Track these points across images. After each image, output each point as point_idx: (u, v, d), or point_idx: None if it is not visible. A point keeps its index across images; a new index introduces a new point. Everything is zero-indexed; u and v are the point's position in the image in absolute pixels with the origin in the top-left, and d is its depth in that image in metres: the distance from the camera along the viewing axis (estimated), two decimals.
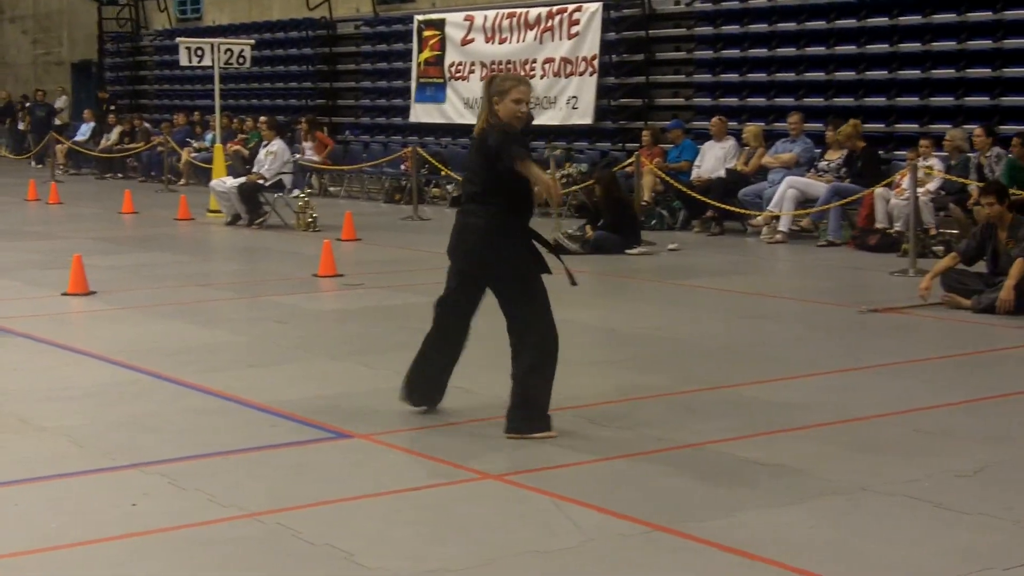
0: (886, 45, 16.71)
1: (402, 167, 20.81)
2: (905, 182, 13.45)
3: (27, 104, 32.85)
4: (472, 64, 21.61)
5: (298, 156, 19.57)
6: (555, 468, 6.06)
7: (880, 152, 15.84)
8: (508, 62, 20.74)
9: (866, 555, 4.91)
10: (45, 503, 5.62)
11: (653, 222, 16.49)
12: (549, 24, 20.32)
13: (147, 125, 26.94)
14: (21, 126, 32.88)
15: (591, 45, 19.72)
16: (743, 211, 15.80)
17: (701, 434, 6.64)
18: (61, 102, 32.58)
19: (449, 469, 6.03)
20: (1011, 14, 15.51)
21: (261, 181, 17.15)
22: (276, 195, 17.27)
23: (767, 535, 5.10)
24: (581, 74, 19.81)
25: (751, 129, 16.69)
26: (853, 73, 16.99)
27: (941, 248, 13.43)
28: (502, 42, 21.13)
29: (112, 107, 29.95)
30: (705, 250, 14.76)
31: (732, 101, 18.31)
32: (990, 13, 15.71)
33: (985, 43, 15.69)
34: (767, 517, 5.33)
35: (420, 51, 22.69)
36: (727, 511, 5.39)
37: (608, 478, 5.93)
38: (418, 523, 5.30)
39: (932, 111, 16.07)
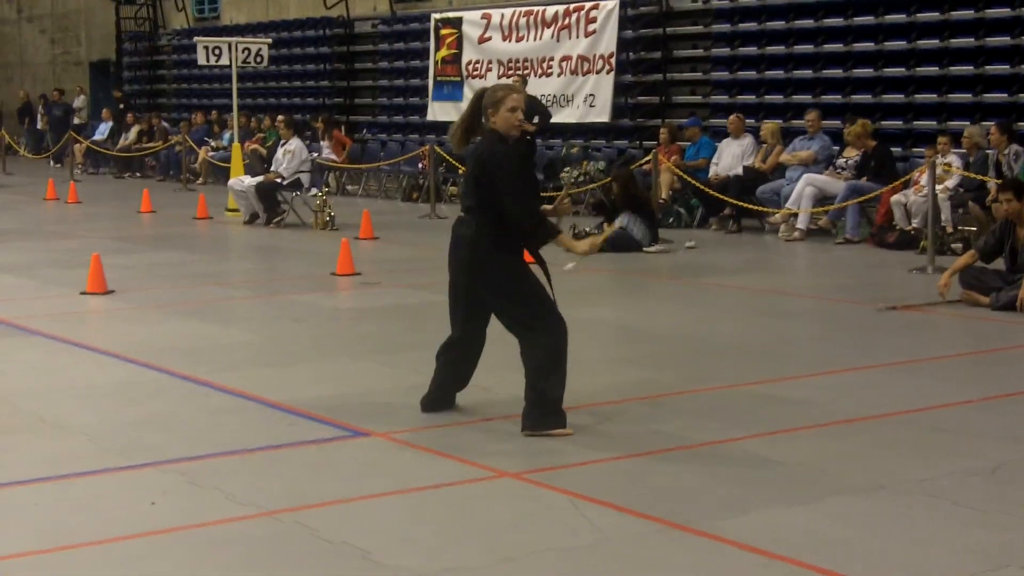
0: (904, 42, 16.66)
1: (419, 166, 20.84)
2: (923, 179, 13.41)
3: (46, 103, 32.94)
4: (489, 62, 21.61)
5: (316, 155, 19.60)
6: (572, 466, 6.06)
7: (898, 149, 15.80)
8: (525, 60, 20.75)
9: (883, 553, 4.90)
10: (64, 502, 5.65)
11: (671, 220, 16.48)
12: (566, 22, 20.31)
13: (165, 124, 27.05)
14: (40, 125, 33.02)
15: (608, 43, 19.71)
16: (761, 209, 15.77)
17: (718, 432, 6.63)
18: (79, 101, 32.71)
19: (466, 467, 6.04)
20: None
21: (279, 180, 17.19)
22: (294, 194, 17.31)
23: (784, 533, 5.09)
24: (598, 72, 19.79)
25: (769, 126, 16.66)
26: (871, 70, 16.94)
27: (959, 245, 13.39)
28: (519, 40, 21.13)
29: (122, 105, 30.03)
30: (723, 248, 14.74)
31: (750, 98, 18.28)
32: (1008, 9, 15.65)
33: (1004, 40, 15.63)
34: (784, 515, 5.32)
35: (437, 49, 22.71)
36: (744, 509, 5.39)
37: (625, 476, 5.93)
38: (435, 521, 5.31)
39: (950, 108, 16.01)
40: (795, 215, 15.15)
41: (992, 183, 13.15)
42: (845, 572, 4.69)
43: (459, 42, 22.23)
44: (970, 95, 15.83)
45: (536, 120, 16.09)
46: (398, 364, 8.38)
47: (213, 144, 24.65)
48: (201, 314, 10.47)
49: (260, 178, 17.44)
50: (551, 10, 20.51)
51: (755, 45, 18.40)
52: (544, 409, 6.51)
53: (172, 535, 5.16)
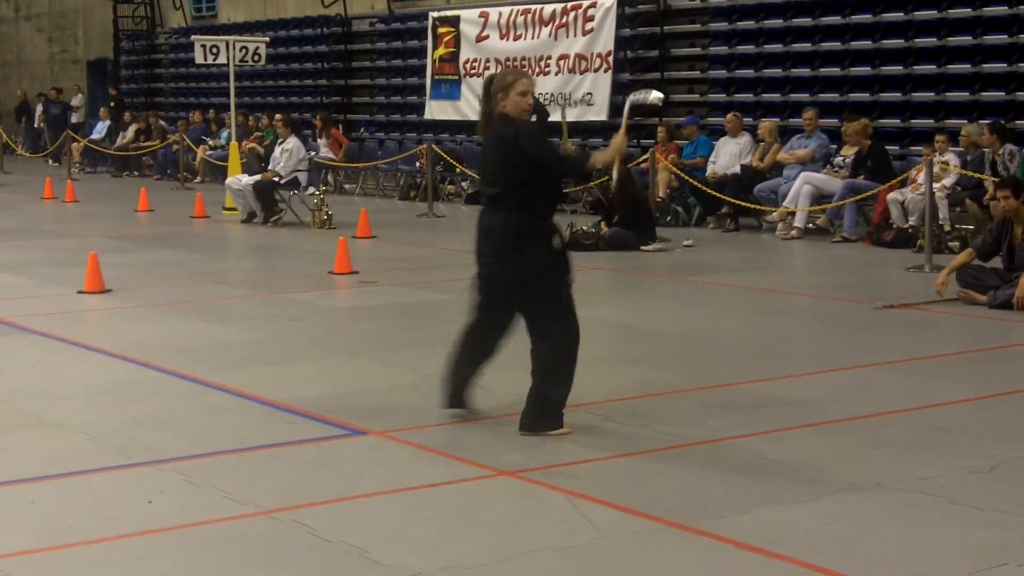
0: (901, 40, 16.66)
1: (417, 164, 20.84)
2: (921, 178, 13.42)
3: (46, 102, 32.87)
4: (487, 61, 21.61)
5: (313, 153, 19.60)
6: (570, 465, 6.06)
7: (896, 148, 15.81)
8: (523, 58, 20.75)
9: (881, 552, 4.90)
10: (61, 500, 5.65)
11: (668, 219, 16.48)
12: (564, 20, 20.31)
13: (163, 123, 27.03)
14: (37, 124, 33.00)
15: (606, 41, 19.71)
16: (758, 207, 15.77)
17: (716, 431, 6.63)
18: (77, 100, 32.68)
19: (464, 466, 6.03)
20: None
21: (276, 179, 17.19)
22: (291, 193, 17.31)
23: (782, 532, 5.10)
24: (596, 70, 19.80)
25: (766, 125, 16.66)
26: (868, 69, 16.94)
27: (957, 244, 13.40)
28: (517, 39, 21.13)
29: (113, 104, 29.98)
30: (720, 246, 14.74)
31: (747, 97, 18.29)
32: (1006, 7, 15.66)
33: (1001, 38, 15.63)
34: (782, 514, 5.32)
35: (435, 48, 22.71)
36: (742, 508, 5.39)
37: (623, 475, 5.93)
38: (433, 520, 5.31)
39: (948, 106, 16.02)
40: (792, 213, 15.15)
41: (989, 182, 13.16)
42: (844, 571, 4.69)
43: (457, 41, 22.23)
44: (968, 93, 15.83)
45: (534, 118, 16.12)
46: (396, 363, 8.38)
47: (211, 143, 24.64)
48: (199, 313, 10.46)
49: (258, 177, 17.44)
50: (549, 8, 20.51)
51: (753, 44, 18.41)
52: (544, 411, 6.50)
53: (170, 534, 5.16)
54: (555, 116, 19.54)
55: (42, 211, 20.00)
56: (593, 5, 19.87)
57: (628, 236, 14.21)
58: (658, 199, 16.36)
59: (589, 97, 19.87)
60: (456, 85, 22.29)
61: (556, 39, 20.39)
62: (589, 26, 19.93)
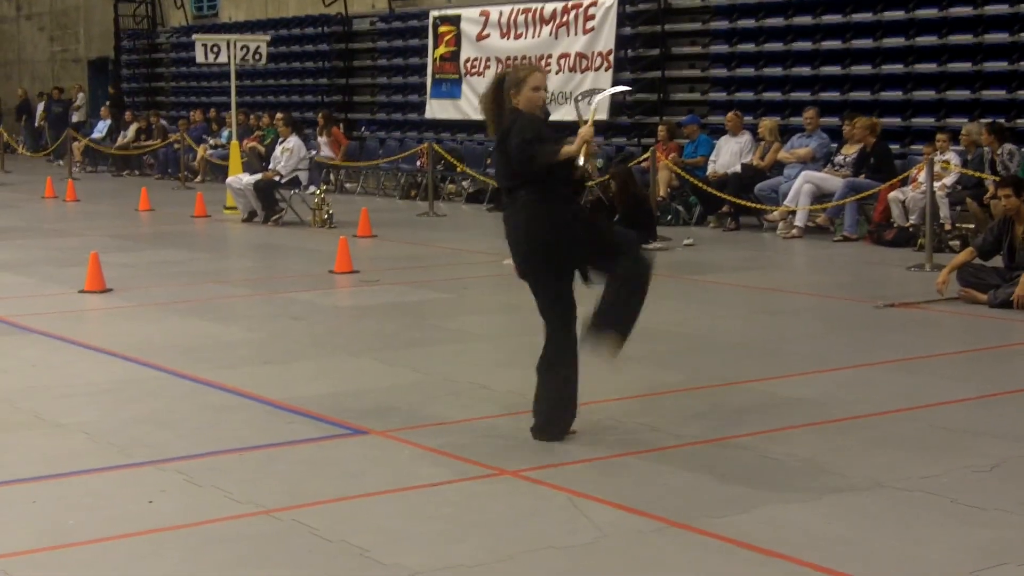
0: (902, 39, 16.65)
1: (418, 163, 20.83)
2: (922, 176, 13.41)
3: (49, 101, 32.85)
4: (488, 60, 21.60)
5: (314, 153, 19.60)
6: (571, 464, 6.06)
7: (896, 146, 15.79)
8: (524, 57, 20.73)
9: (882, 551, 4.90)
10: (62, 500, 5.65)
11: (669, 217, 16.48)
12: (564, 19, 20.31)
13: (163, 122, 27.03)
14: (37, 123, 32.99)
15: (607, 40, 19.70)
16: (759, 206, 15.77)
17: (717, 430, 6.63)
18: (79, 99, 32.69)
19: (465, 465, 6.03)
20: None
21: (277, 178, 17.18)
22: (292, 192, 17.30)
23: (783, 531, 5.10)
24: (596, 69, 19.78)
25: (767, 124, 16.65)
26: (869, 67, 16.93)
27: (957, 243, 13.40)
28: (517, 37, 21.12)
29: (108, 103, 29.95)
30: (721, 245, 14.74)
31: (748, 96, 18.28)
32: (1007, 6, 15.65)
33: (1002, 36, 15.63)
34: (783, 513, 5.32)
35: (435, 47, 22.70)
36: (743, 507, 5.39)
37: (624, 474, 5.93)
38: (434, 519, 5.31)
39: (949, 105, 16.01)
40: (793, 212, 15.14)
41: (990, 180, 13.16)
42: (845, 570, 4.69)
43: (457, 39, 22.22)
44: (968, 92, 15.82)
45: None
46: (397, 362, 8.38)
47: (211, 142, 24.63)
48: (199, 312, 10.46)
49: (258, 176, 17.43)
50: (549, 7, 20.50)
51: (753, 42, 18.40)
52: (543, 412, 6.48)
53: (171, 533, 5.16)
54: (559, 115, 19.60)
55: (43, 210, 20.01)
56: (594, 4, 19.86)
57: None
58: (659, 198, 16.35)
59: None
60: (457, 84, 22.28)
61: (557, 38, 20.38)
62: (590, 25, 19.92)
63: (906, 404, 7.16)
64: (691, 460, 6.12)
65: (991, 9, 15.80)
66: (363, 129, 24.77)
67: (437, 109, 22.78)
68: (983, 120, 14.64)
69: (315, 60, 26.22)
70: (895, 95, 16.57)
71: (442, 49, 22.54)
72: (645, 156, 16.80)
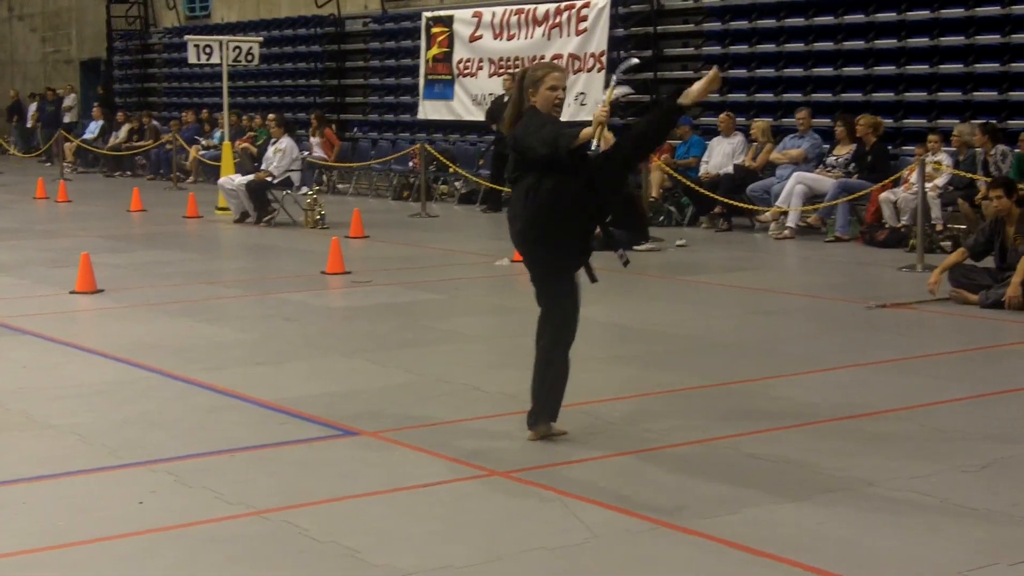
0: (894, 40, 16.69)
1: (410, 164, 20.82)
2: (913, 177, 13.43)
3: (42, 102, 32.78)
4: (480, 61, 21.61)
5: (306, 153, 19.58)
6: (562, 464, 6.06)
7: (888, 147, 15.81)
8: (516, 58, 20.74)
9: (872, 551, 4.91)
10: (52, 501, 5.63)
11: (661, 218, 16.49)
12: (557, 20, 20.31)
13: (156, 123, 27.00)
14: (29, 124, 32.94)
15: (599, 41, 19.71)
16: (751, 207, 15.78)
17: (708, 430, 6.64)
18: (70, 100, 32.63)
19: (456, 466, 6.03)
20: (1019, 9, 15.48)
21: (269, 178, 17.17)
22: (284, 192, 17.29)
23: (774, 531, 5.10)
24: (589, 70, 19.79)
25: (759, 125, 16.67)
26: (861, 68, 16.96)
27: (949, 244, 13.43)
28: (510, 38, 21.12)
29: (96, 104, 29.88)
30: (713, 246, 14.75)
31: (740, 97, 18.30)
32: (998, 8, 15.68)
33: (993, 38, 15.66)
34: (774, 513, 5.33)
35: (428, 48, 22.70)
36: (734, 507, 5.39)
37: (615, 474, 5.93)
38: (425, 520, 5.31)
39: (940, 106, 16.04)
40: (785, 213, 15.16)
41: (982, 181, 13.18)
42: (835, 570, 4.70)
43: (450, 40, 22.23)
44: (960, 93, 15.85)
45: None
46: (389, 362, 8.38)
47: (204, 143, 24.60)
48: (191, 313, 10.45)
49: (250, 177, 17.42)
50: (542, 8, 20.51)
51: (746, 43, 18.43)
52: (534, 408, 6.48)
53: (161, 535, 5.16)
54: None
55: (34, 211, 19.97)
56: (586, 5, 19.87)
57: (621, 236, 14.18)
58: (651, 199, 16.36)
59: (583, 97, 19.86)
60: (449, 85, 22.28)
61: (549, 39, 20.38)
62: (582, 26, 19.93)
63: (898, 404, 7.17)
64: (682, 460, 6.12)
65: (982, 11, 15.83)
66: (356, 130, 24.76)
67: (430, 110, 22.78)
68: (975, 121, 14.67)
69: (308, 61, 26.22)
70: (887, 96, 16.60)
71: (435, 50, 22.54)
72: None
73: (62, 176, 24.44)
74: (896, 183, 14.26)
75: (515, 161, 6.47)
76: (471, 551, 4.93)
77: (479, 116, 20.93)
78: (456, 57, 22.09)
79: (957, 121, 15.08)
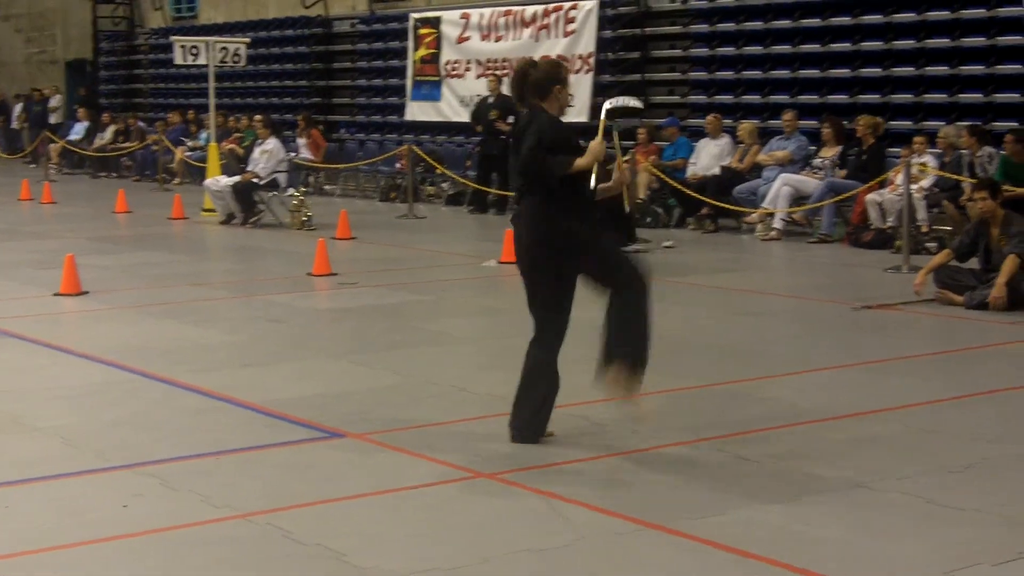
0: (880, 42, 16.73)
1: (397, 165, 20.80)
2: (899, 179, 13.47)
3: (28, 102, 32.67)
4: (468, 62, 21.61)
5: (293, 155, 19.56)
6: (549, 466, 6.06)
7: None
8: (504, 60, 20.74)
9: (858, 551, 4.92)
10: (37, 503, 5.62)
11: (648, 220, 16.49)
12: (545, 22, 20.32)
13: (141, 124, 26.92)
14: (14, 125, 32.82)
15: (587, 43, 19.72)
16: (738, 208, 15.81)
17: (694, 431, 6.64)
18: (55, 101, 32.53)
19: (442, 468, 6.03)
20: (1004, 11, 15.54)
21: (256, 180, 17.14)
22: (271, 194, 17.26)
23: (760, 532, 5.11)
24: (577, 72, 19.78)
25: (746, 126, 16.70)
26: (848, 70, 17.00)
27: (934, 245, 13.46)
28: (498, 40, 21.13)
29: (76, 106, 29.79)
30: (700, 247, 14.77)
31: (727, 98, 18.32)
32: (983, 10, 15.73)
33: (979, 40, 15.71)
34: (760, 514, 5.33)
35: (416, 49, 22.69)
36: (720, 508, 5.39)
37: (602, 476, 5.94)
38: (411, 522, 5.30)
39: (926, 108, 16.09)
40: (772, 214, 15.19)
41: (967, 183, 13.21)
42: (820, 570, 4.71)
43: (438, 42, 22.22)
44: (946, 95, 15.90)
45: (511, 120, 16.16)
46: (376, 364, 8.37)
47: (190, 144, 24.54)
48: (177, 315, 10.43)
49: (237, 178, 17.38)
50: (530, 10, 20.51)
51: (733, 45, 18.45)
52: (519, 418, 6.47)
53: (147, 537, 5.14)
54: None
55: (18, 213, 19.89)
56: (574, 7, 19.88)
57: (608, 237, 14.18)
58: (638, 200, 16.37)
59: (570, 99, 19.82)
60: (437, 86, 22.27)
61: (537, 40, 20.38)
62: (571, 28, 19.94)
63: (883, 405, 7.18)
64: (668, 462, 6.12)
65: (968, 13, 15.88)
66: (343, 131, 24.74)
67: (417, 111, 22.77)
68: (961, 123, 14.71)
69: (295, 62, 26.18)
70: (873, 98, 16.63)
71: (422, 51, 22.53)
72: (625, 158, 16.81)
73: (47, 177, 24.34)
74: (882, 184, 14.30)
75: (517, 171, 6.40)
76: (458, 553, 4.92)
77: (466, 117, 20.92)
78: (444, 58, 22.09)
79: (943, 123, 15.12)
